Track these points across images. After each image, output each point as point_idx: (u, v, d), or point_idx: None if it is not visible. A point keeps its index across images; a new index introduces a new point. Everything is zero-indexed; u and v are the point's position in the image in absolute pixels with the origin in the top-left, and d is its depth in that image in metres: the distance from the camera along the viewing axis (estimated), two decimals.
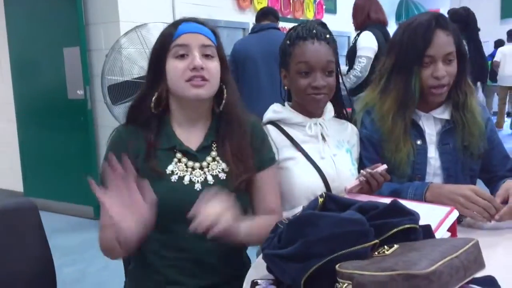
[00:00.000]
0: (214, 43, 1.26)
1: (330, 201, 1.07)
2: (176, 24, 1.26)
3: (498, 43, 8.65)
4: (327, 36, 1.46)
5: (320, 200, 1.07)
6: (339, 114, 1.61)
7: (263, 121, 1.53)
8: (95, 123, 4.03)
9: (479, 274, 0.87)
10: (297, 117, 1.49)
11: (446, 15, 4.34)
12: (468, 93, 1.51)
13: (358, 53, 3.51)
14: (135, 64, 3.31)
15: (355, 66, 3.50)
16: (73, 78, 3.98)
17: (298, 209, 1.27)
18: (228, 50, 4.00)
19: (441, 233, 1.11)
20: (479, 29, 3.97)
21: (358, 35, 3.66)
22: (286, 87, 1.52)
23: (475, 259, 0.85)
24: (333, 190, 1.41)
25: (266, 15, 3.61)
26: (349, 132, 1.57)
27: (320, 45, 1.42)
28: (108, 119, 3.57)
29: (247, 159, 1.26)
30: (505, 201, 1.30)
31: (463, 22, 3.88)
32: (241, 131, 1.28)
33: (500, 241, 1.23)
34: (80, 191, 4.06)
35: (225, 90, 1.28)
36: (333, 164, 1.47)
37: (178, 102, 1.26)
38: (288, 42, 1.47)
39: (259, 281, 0.98)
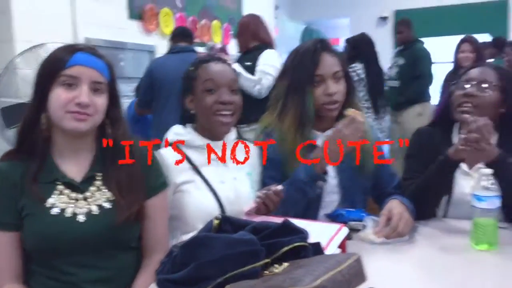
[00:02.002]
0: (107, 78, 1.22)
1: (226, 223, 1.09)
2: (70, 51, 1.18)
3: None
4: (228, 61, 1.56)
5: (216, 222, 1.08)
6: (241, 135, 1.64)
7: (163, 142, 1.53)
8: None
9: (362, 287, 0.93)
10: (199, 139, 1.50)
11: (345, 43, 4.64)
12: (357, 110, 1.61)
13: (266, 69, 3.21)
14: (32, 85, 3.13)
15: (262, 81, 3.20)
16: None
17: (195, 233, 1.28)
18: (135, 72, 3.94)
19: (332, 249, 1.16)
20: (377, 52, 4.22)
21: (245, 53, 3.42)
22: (192, 111, 1.53)
23: (357, 272, 0.91)
24: (232, 214, 1.42)
25: (185, 36, 3.50)
26: (251, 153, 1.61)
27: (223, 65, 1.51)
28: (0, 143, 3.33)
29: (136, 188, 1.23)
30: (389, 219, 1.40)
31: (358, 48, 4.14)
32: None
33: (387, 254, 1.32)
34: None
35: (109, 127, 1.25)
36: (233, 188, 1.49)
37: (60, 131, 1.20)
38: (192, 68, 1.53)
39: None
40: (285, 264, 0.92)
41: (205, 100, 1.46)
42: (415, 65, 4.41)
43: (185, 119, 1.57)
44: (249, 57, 3.38)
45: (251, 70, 3.27)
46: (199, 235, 0.97)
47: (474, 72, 1.62)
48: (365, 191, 1.67)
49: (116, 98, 1.26)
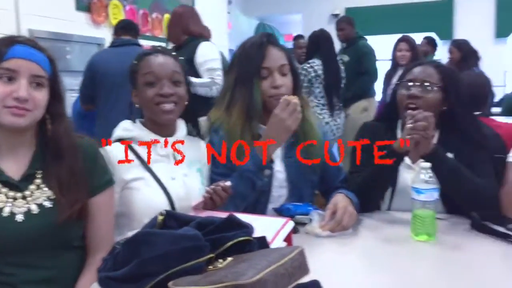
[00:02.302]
0: (48, 72, 1.18)
1: (171, 219, 1.08)
2: (8, 43, 1.14)
3: None
4: (173, 53, 1.53)
5: (160, 218, 1.07)
6: (192, 132, 1.62)
7: (111, 138, 1.49)
8: None
9: (306, 279, 0.94)
10: (149, 135, 1.48)
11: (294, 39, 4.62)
12: (304, 105, 1.63)
13: (212, 65, 3.09)
14: None
15: (216, 80, 3.08)
16: None
17: None
18: (82, 65, 3.83)
19: (278, 243, 1.17)
20: (335, 49, 4.26)
21: (178, 48, 3.25)
22: (137, 105, 1.51)
23: (300, 265, 0.92)
24: (182, 210, 1.41)
25: (127, 29, 3.39)
26: (202, 150, 1.60)
27: (165, 58, 1.48)
28: None
29: (77, 186, 1.20)
30: (334, 213, 1.43)
31: (317, 43, 4.16)
32: (69, 157, 1.21)
33: (332, 246, 1.35)
34: None
35: (49, 123, 1.21)
36: (183, 184, 1.47)
37: None
38: (135, 61, 1.51)
39: None
40: (229, 259, 0.92)
41: (146, 93, 1.44)
42: (360, 62, 4.51)
43: (135, 114, 1.54)
44: (182, 52, 3.15)
45: (186, 63, 3.14)
46: (142, 231, 0.96)
47: (417, 71, 1.67)
48: (313, 185, 1.70)
49: (58, 93, 1.22)
